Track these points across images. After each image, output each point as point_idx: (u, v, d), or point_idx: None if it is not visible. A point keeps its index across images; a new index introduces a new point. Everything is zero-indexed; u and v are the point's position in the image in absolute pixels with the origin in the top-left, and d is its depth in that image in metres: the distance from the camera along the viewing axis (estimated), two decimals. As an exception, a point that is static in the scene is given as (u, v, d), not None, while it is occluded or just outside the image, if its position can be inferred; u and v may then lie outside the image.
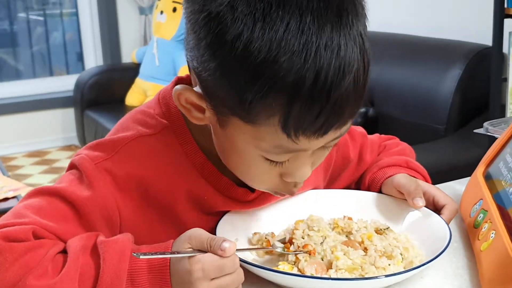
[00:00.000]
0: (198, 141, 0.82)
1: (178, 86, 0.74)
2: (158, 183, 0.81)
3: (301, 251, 0.81)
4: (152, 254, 0.69)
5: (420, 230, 0.89)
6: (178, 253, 0.70)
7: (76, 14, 4.44)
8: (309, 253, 0.81)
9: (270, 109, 0.66)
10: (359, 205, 0.96)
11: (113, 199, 0.78)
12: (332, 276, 0.76)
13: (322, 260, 0.80)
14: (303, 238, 0.84)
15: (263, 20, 0.63)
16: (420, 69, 2.30)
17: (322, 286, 0.76)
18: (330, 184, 1.04)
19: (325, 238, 0.84)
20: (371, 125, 2.38)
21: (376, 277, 0.76)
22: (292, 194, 0.80)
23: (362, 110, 2.37)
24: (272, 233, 0.88)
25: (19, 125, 4.15)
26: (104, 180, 0.78)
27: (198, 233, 0.72)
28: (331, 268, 0.78)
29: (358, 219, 0.91)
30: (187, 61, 0.75)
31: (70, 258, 0.69)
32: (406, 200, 0.93)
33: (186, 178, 0.82)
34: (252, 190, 0.87)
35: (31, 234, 0.71)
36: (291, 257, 0.80)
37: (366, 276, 0.77)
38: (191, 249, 0.70)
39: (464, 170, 1.14)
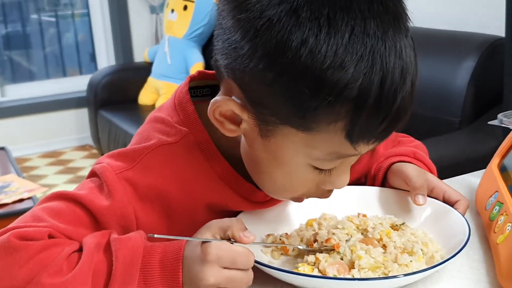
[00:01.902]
0: (219, 147, 0.81)
1: (217, 98, 0.73)
2: (179, 193, 0.80)
3: (325, 246, 0.80)
4: (168, 236, 0.70)
5: (436, 224, 0.88)
6: (197, 239, 0.70)
7: (87, 14, 4.46)
8: (333, 247, 0.79)
9: (335, 116, 0.65)
10: (370, 201, 0.95)
11: (132, 209, 0.77)
12: (355, 276, 0.74)
13: (342, 259, 0.78)
14: (327, 236, 0.82)
15: (328, 26, 0.62)
16: (433, 62, 2.29)
17: (348, 287, 0.74)
18: None
19: (351, 236, 0.83)
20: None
21: (405, 275, 0.74)
22: (327, 197, 0.80)
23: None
24: (286, 233, 0.86)
25: (34, 126, 4.18)
26: (124, 190, 0.77)
27: (218, 220, 0.73)
28: (353, 268, 0.76)
29: (372, 216, 0.90)
30: (220, 70, 0.73)
31: (84, 255, 0.70)
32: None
33: (209, 186, 0.81)
34: None
35: (46, 236, 0.71)
36: (311, 258, 0.78)
37: (390, 274, 0.75)
38: (209, 238, 0.71)
39: (479, 163, 1.13)
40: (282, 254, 0.84)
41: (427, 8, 2.66)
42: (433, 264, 0.76)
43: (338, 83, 0.63)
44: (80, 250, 0.72)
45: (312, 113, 0.65)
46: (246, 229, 0.72)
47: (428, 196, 0.92)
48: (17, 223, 0.74)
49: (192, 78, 0.86)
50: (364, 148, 0.69)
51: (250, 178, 0.81)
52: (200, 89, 0.87)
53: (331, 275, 0.75)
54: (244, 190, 0.83)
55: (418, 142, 1.09)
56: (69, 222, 0.74)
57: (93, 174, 0.80)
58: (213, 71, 0.79)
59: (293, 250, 0.83)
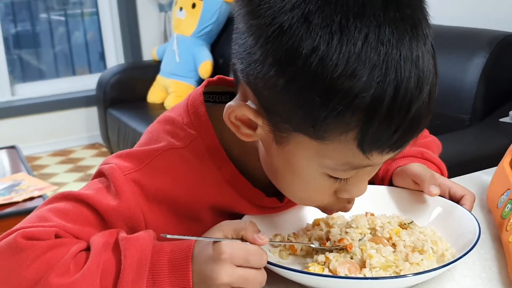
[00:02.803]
0: (228, 151, 0.80)
1: (232, 102, 0.72)
2: (186, 196, 0.80)
3: (337, 246, 0.79)
4: (180, 236, 0.70)
5: (444, 222, 0.88)
6: (209, 238, 0.70)
7: (96, 13, 4.47)
8: (345, 247, 0.78)
9: (345, 125, 0.64)
10: (377, 200, 0.94)
11: (140, 210, 0.77)
12: (367, 275, 0.74)
13: (351, 258, 0.77)
14: (340, 235, 0.82)
15: (340, 33, 0.61)
16: (443, 58, 2.27)
17: (361, 287, 0.74)
18: None
19: (364, 235, 0.82)
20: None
21: (418, 273, 0.73)
22: (346, 210, 0.78)
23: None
24: (294, 233, 0.86)
25: (44, 125, 4.20)
26: (132, 191, 0.76)
27: (230, 221, 0.73)
28: (364, 267, 0.75)
29: (380, 215, 0.89)
30: (237, 74, 0.72)
31: (92, 255, 0.69)
32: (422, 192, 0.91)
33: (217, 190, 0.81)
34: (281, 199, 0.86)
35: (53, 235, 0.71)
36: (321, 258, 0.77)
37: (402, 273, 0.74)
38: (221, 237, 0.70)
39: (490, 160, 1.12)
40: (290, 254, 0.83)
41: (438, 4, 2.64)
42: (446, 262, 0.75)
43: (349, 92, 0.61)
44: (87, 249, 0.71)
45: (323, 123, 0.64)
46: (260, 231, 0.72)
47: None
48: (24, 223, 0.74)
49: (210, 83, 0.85)
50: (378, 159, 0.68)
51: (259, 184, 0.81)
52: (218, 95, 0.86)
53: (342, 275, 0.74)
54: (252, 196, 0.83)
55: (431, 139, 1.08)
56: (76, 222, 0.74)
57: (100, 174, 0.80)
58: (232, 78, 0.78)
59: (301, 249, 0.83)
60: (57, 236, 0.71)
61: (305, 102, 0.64)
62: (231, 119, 0.73)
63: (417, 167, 0.93)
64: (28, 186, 2.41)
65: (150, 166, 0.78)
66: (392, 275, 0.75)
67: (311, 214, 0.89)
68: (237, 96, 0.74)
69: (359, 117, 0.63)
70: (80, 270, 0.68)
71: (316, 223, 0.88)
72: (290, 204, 0.88)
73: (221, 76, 0.86)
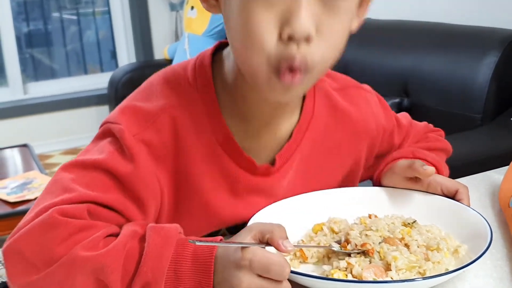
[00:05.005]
0: (226, 118, 0.84)
1: None
2: (186, 155, 0.83)
3: (359, 250, 0.78)
4: (208, 242, 0.69)
5: (447, 220, 0.87)
6: (234, 243, 0.69)
7: (108, 12, 4.49)
8: (367, 252, 0.77)
9: None
10: (375, 202, 0.93)
11: (152, 170, 0.81)
12: (394, 278, 0.72)
13: (370, 262, 0.76)
14: (360, 238, 0.80)
15: None
16: (454, 57, 2.27)
17: None
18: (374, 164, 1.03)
19: (383, 238, 0.80)
20: (406, 116, 2.35)
21: (449, 272, 0.72)
22: (293, 58, 0.72)
23: (397, 100, 2.35)
24: (302, 240, 0.85)
25: (56, 123, 4.22)
26: (142, 152, 0.80)
27: (260, 223, 0.72)
28: (388, 270, 0.74)
29: (383, 216, 0.88)
30: None
31: (120, 237, 0.72)
32: (419, 192, 0.91)
33: (212, 153, 0.84)
34: (272, 164, 0.88)
35: (86, 212, 0.74)
36: (343, 263, 0.75)
37: (428, 273, 0.74)
38: (247, 242, 0.69)
39: (502, 159, 1.12)
40: (301, 262, 0.81)
41: (450, 3, 2.63)
42: (461, 258, 0.75)
43: None
44: (117, 235, 0.74)
45: None
46: (287, 238, 0.69)
47: (426, 192, 0.92)
48: (48, 194, 0.77)
49: (222, 44, 0.88)
50: None
51: (254, 153, 0.86)
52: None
53: (370, 279, 0.72)
54: (243, 161, 0.86)
55: (442, 142, 1.07)
56: (99, 190, 0.77)
57: (109, 133, 0.82)
58: None
59: (312, 257, 0.81)
60: (89, 212, 0.75)
61: None
62: None
63: (403, 161, 0.93)
64: (40, 184, 2.43)
65: (154, 125, 0.82)
66: (417, 275, 0.74)
67: (313, 220, 0.89)
68: None
69: None
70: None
71: (318, 229, 0.87)
72: (283, 170, 0.89)
73: None
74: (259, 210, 0.85)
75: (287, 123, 0.89)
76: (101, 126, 0.85)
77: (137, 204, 0.79)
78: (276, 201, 0.89)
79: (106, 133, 0.83)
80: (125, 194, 0.78)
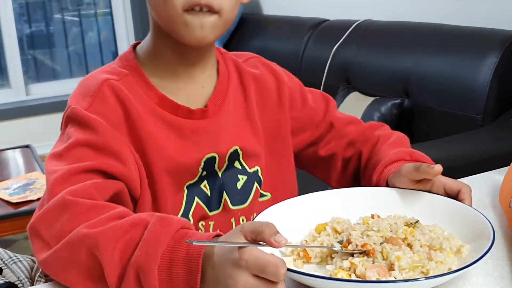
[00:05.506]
0: (156, 83, 0.98)
1: None
2: (134, 119, 0.93)
3: (359, 250, 0.78)
4: (205, 242, 0.69)
5: (449, 220, 0.88)
6: (233, 243, 0.68)
7: (110, 13, 4.50)
8: (367, 252, 0.77)
9: None
10: (378, 202, 0.93)
11: (118, 136, 0.91)
12: (397, 278, 0.73)
13: (373, 262, 0.76)
14: (362, 238, 0.80)
15: None
16: (455, 58, 2.27)
17: None
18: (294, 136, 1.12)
19: (385, 238, 0.81)
20: (407, 117, 2.36)
21: (454, 271, 0.72)
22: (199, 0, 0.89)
23: (397, 101, 2.35)
24: (306, 240, 0.85)
25: (58, 124, 4.16)
26: (102, 122, 0.90)
27: (250, 222, 0.72)
28: (391, 269, 0.74)
29: (385, 216, 0.89)
30: None
31: (124, 221, 0.76)
32: (421, 192, 0.92)
33: (152, 113, 0.95)
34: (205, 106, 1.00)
35: (93, 188, 0.83)
36: (346, 263, 0.76)
37: (431, 272, 0.74)
38: (243, 241, 0.69)
39: (502, 160, 1.13)
40: (304, 262, 0.81)
41: (450, 4, 2.64)
42: (464, 258, 0.76)
43: None
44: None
45: None
46: (278, 232, 0.68)
47: (430, 192, 0.93)
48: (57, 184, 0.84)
49: (137, 44, 1.04)
50: None
51: (187, 101, 0.98)
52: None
53: (373, 279, 0.73)
54: (179, 111, 0.97)
55: (397, 134, 1.10)
56: (82, 161, 0.87)
57: (68, 120, 0.94)
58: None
59: (315, 257, 0.81)
60: (96, 189, 0.83)
61: None
62: None
63: (410, 164, 0.94)
64: (42, 185, 2.43)
65: (99, 96, 0.93)
66: (420, 275, 0.74)
67: (317, 220, 0.89)
68: None
69: None
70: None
71: (321, 229, 0.87)
72: (221, 114, 1.00)
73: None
74: (207, 149, 0.98)
75: (211, 79, 1.03)
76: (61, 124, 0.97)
77: (115, 157, 0.89)
78: (222, 141, 1.00)
79: (65, 122, 0.95)
80: (102, 153, 0.88)
